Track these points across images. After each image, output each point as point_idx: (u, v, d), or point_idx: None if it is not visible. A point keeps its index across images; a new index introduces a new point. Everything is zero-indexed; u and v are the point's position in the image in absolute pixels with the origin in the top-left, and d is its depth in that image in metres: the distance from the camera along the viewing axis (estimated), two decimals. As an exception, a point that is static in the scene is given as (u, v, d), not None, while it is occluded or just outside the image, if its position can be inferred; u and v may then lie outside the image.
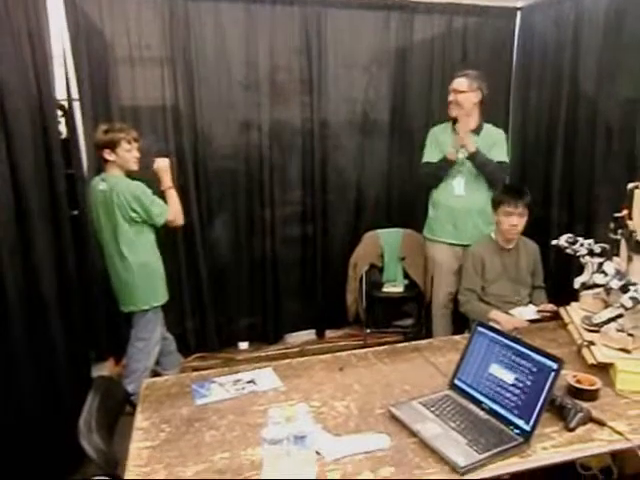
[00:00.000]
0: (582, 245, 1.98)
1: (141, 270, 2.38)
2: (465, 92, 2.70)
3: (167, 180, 2.43)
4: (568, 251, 2.02)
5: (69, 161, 2.68)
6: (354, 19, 3.19)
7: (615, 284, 1.71)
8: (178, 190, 2.95)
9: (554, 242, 2.08)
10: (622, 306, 1.66)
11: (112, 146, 2.30)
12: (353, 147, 3.38)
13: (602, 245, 1.96)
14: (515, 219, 2.33)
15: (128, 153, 2.33)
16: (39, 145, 2.26)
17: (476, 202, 2.77)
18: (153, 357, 2.49)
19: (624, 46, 2.62)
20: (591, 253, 1.95)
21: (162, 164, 2.44)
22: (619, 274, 1.73)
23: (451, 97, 2.74)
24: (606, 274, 1.76)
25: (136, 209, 2.29)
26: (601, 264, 1.90)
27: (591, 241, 1.99)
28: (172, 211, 2.39)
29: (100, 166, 2.55)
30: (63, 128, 2.71)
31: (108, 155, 2.31)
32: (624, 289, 1.68)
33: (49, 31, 2.54)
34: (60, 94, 2.64)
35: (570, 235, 2.04)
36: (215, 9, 2.93)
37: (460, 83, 2.71)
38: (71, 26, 2.67)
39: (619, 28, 2.64)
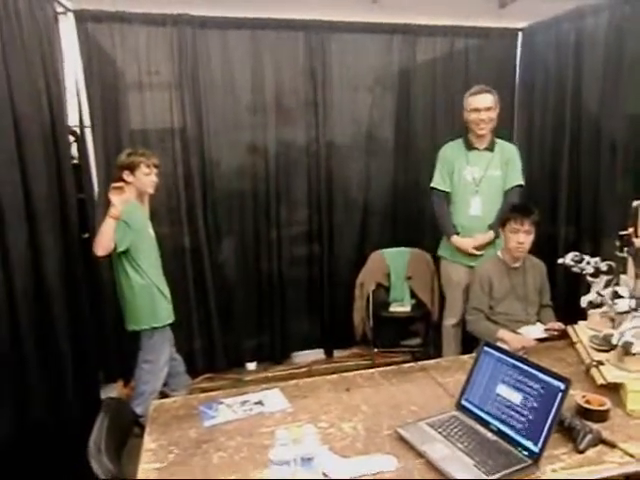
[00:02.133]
0: (588, 263, 1.98)
1: (142, 290, 2.41)
2: (492, 108, 2.67)
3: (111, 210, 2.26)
4: (574, 269, 2.02)
5: (81, 186, 2.74)
6: (358, 42, 3.25)
7: (633, 304, 1.70)
8: (187, 211, 3.06)
9: (560, 261, 2.07)
10: None
11: (132, 168, 2.37)
12: (359, 167, 3.41)
13: (609, 263, 1.95)
14: (522, 236, 2.34)
15: (146, 177, 2.40)
16: (52, 170, 2.32)
17: (493, 221, 2.74)
18: (161, 379, 2.49)
19: (626, 64, 2.64)
20: (597, 271, 1.94)
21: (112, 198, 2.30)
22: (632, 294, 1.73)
23: (475, 115, 2.66)
24: (621, 297, 1.75)
25: None
26: (609, 282, 1.90)
27: (597, 259, 1.99)
28: (100, 239, 2.25)
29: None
30: (75, 153, 2.78)
31: (127, 177, 2.38)
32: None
33: (62, 59, 2.63)
34: (72, 120, 2.71)
35: (576, 253, 2.04)
36: (222, 35, 3.02)
37: (486, 99, 2.65)
38: (84, 54, 2.76)
39: (619, 46, 2.67)
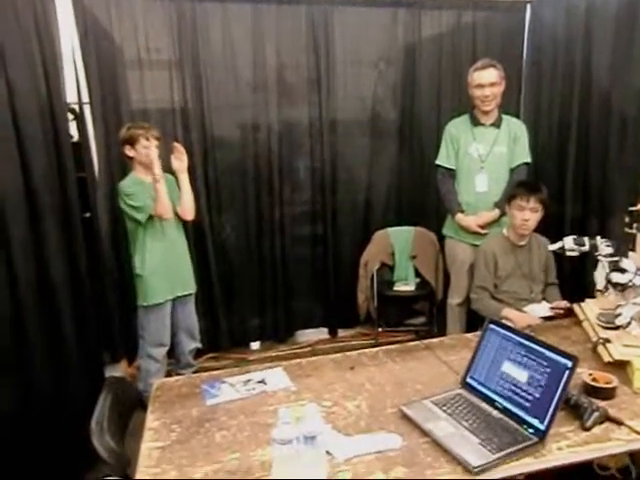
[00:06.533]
0: (589, 245, 1.93)
1: (133, 268, 2.43)
2: (497, 84, 2.62)
3: (156, 171, 2.33)
4: (572, 253, 1.97)
5: (81, 164, 2.71)
6: (361, 16, 3.17)
7: (638, 280, 1.67)
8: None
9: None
10: None
11: (132, 142, 2.36)
12: (362, 145, 3.36)
13: (611, 241, 1.90)
14: (527, 214, 2.30)
15: (146, 149, 2.36)
16: (50, 148, 2.29)
17: (499, 199, 2.69)
18: (152, 359, 2.46)
19: (638, 36, 2.55)
20: (595, 248, 1.89)
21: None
22: (639, 270, 1.69)
23: (479, 92, 2.61)
24: (624, 271, 1.72)
25: (120, 204, 2.36)
26: (615, 260, 1.86)
27: (598, 238, 1.94)
28: (159, 205, 2.33)
29: (112, 169, 2.63)
30: (74, 131, 2.73)
31: (128, 151, 2.38)
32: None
33: (59, 34, 2.57)
34: (71, 97, 2.66)
35: (574, 238, 1.97)
36: (222, 10, 2.94)
37: (490, 75, 2.59)
38: (80, 29, 2.68)
39: (632, 18, 2.57)
